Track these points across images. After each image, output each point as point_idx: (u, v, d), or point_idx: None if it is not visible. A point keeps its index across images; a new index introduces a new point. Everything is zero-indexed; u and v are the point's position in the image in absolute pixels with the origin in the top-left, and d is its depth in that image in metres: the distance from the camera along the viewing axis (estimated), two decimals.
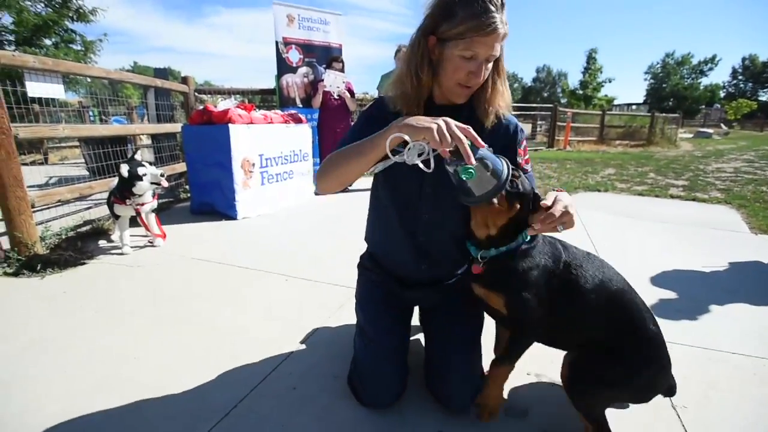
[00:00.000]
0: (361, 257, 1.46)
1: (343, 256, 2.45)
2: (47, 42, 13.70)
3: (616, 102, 44.68)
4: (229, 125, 3.21)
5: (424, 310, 1.39)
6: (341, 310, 1.82)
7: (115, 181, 2.58)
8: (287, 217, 3.55)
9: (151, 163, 2.65)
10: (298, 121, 4.12)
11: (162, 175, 2.52)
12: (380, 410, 1.21)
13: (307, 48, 4.76)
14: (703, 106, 52.16)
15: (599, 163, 7.93)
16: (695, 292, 2.09)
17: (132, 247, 2.59)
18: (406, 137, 0.89)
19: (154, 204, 2.67)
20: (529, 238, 1.02)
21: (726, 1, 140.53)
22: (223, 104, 3.45)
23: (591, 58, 43.09)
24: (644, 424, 1.19)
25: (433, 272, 1.29)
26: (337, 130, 4.44)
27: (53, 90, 2.62)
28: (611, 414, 1.21)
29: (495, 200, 0.93)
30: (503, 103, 1.10)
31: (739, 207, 4.15)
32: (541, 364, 1.43)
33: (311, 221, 3.43)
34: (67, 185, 2.87)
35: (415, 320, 1.41)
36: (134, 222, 2.63)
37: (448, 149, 0.85)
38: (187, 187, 3.94)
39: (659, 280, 2.23)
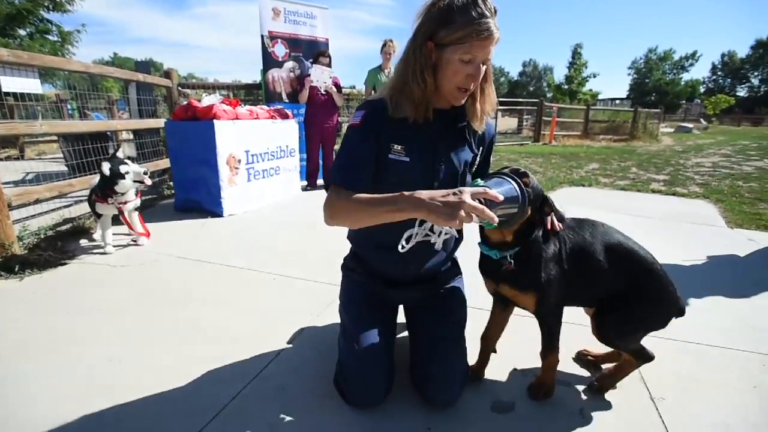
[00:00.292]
0: (345, 258, 1.46)
1: (330, 253, 2.44)
2: (21, 32, 13.17)
3: (600, 97, 45.34)
4: (215, 121, 3.16)
5: (409, 308, 1.40)
6: (329, 309, 1.82)
7: (96, 178, 2.51)
8: (274, 214, 3.52)
9: (133, 159, 2.59)
10: (285, 116, 4.07)
11: (145, 173, 2.46)
12: (367, 410, 1.21)
13: (293, 42, 4.69)
14: (684, 101, 53.36)
15: (584, 157, 8.06)
16: None
17: (115, 246, 2.54)
18: (429, 222, 1.00)
19: (138, 202, 2.62)
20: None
21: None
22: (207, 99, 3.39)
23: (576, 53, 43.61)
24: (623, 416, 1.23)
25: (417, 272, 1.30)
26: (324, 125, 4.40)
27: (29, 85, 2.54)
28: (591, 408, 1.25)
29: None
30: (490, 108, 1.17)
31: (716, 201, 4.27)
32: (527, 359, 1.46)
33: (298, 218, 3.41)
34: (45, 182, 2.78)
35: (401, 317, 1.43)
36: (117, 220, 2.57)
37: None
38: (171, 183, 3.87)
39: None
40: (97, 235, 2.69)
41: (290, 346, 1.56)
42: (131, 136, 5.10)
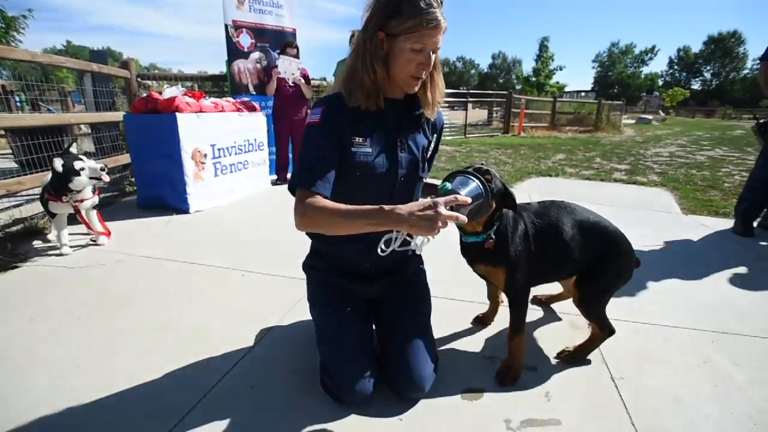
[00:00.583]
0: (306, 257, 1.44)
1: (300, 248, 2.41)
2: None
3: (567, 89, 46.64)
4: (177, 114, 3.03)
5: (375, 302, 1.39)
6: (299, 305, 1.80)
7: (48, 175, 2.37)
8: (243, 209, 3.44)
9: (92, 155, 2.45)
10: (252, 109, 3.96)
11: (102, 170, 2.34)
12: (345, 405, 1.21)
13: (258, 32, 4.55)
14: (644, 94, 55.77)
15: (551, 148, 8.29)
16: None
17: (72, 246, 2.41)
18: (406, 236, 1.04)
19: (95, 200, 2.48)
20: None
21: None
22: (169, 92, 3.24)
23: (543, 47, 44.63)
24: (584, 395, 1.28)
25: (379, 264, 1.28)
26: (294, 118, 4.31)
27: None
28: (557, 390, 1.30)
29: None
30: (440, 95, 1.22)
31: (672, 189, 4.51)
32: (496, 346, 1.50)
33: (267, 213, 3.35)
34: None
35: None
36: (74, 219, 2.43)
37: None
38: (133, 180, 3.70)
39: None
40: (52, 236, 2.55)
41: (261, 343, 1.53)
42: (89, 131, 4.82)
